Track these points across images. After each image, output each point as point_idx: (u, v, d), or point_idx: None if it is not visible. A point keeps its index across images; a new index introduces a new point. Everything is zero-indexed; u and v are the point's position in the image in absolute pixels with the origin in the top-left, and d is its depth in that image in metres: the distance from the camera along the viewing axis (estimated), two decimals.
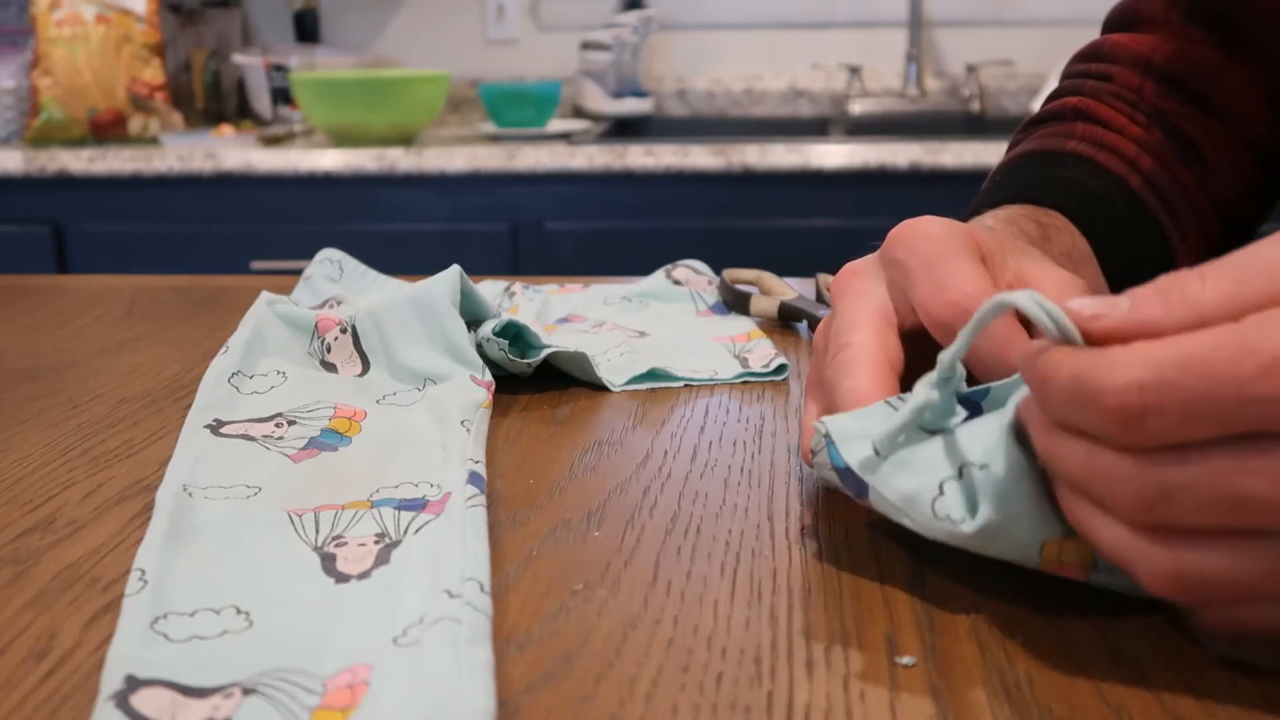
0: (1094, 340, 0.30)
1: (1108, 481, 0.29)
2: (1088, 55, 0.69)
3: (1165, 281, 0.30)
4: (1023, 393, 0.33)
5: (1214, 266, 0.30)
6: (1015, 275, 0.42)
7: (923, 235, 0.41)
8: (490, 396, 0.52)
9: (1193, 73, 0.65)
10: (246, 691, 0.30)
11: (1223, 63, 0.64)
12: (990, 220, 0.55)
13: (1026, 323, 0.39)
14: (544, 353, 0.57)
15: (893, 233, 0.42)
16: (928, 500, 0.34)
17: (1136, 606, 0.35)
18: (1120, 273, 0.57)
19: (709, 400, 0.56)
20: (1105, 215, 0.60)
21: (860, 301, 0.42)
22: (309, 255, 0.78)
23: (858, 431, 0.37)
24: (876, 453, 0.36)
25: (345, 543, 0.39)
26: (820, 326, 0.45)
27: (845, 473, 0.37)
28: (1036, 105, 2.14)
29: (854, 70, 2.26)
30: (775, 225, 1.84)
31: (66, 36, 2.02)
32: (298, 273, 0.76)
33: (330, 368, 0.57)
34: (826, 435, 0.37)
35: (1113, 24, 0.70)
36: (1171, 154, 0.64)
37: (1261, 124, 0.65)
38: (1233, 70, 0.64)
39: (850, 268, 0.44)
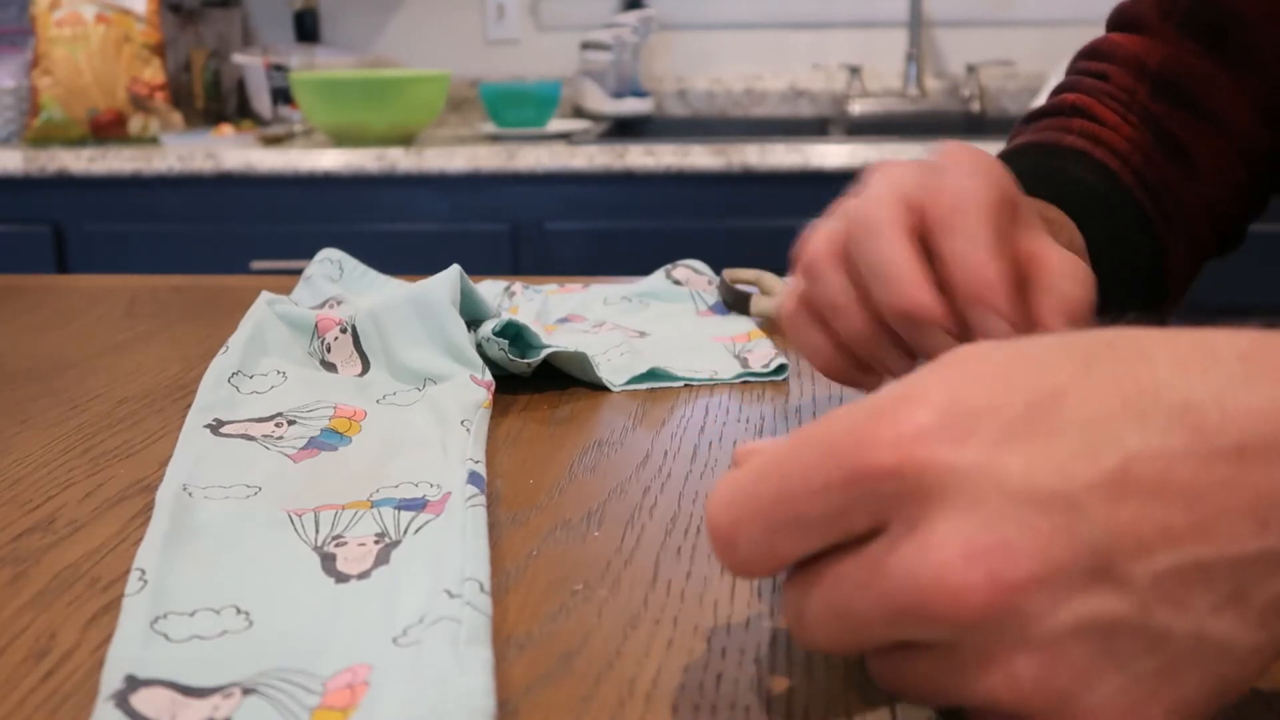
0: None
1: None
2: (1088, 53, 0.71)
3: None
4: None
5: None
6: (1027, 253, 0.42)
7: (961, 152, 0.42)
8: (490, 396, 0.52)
9: (1184, 78, 0.66)
10: (246, 691, 0.30)
11: (1214, 71, 0.66)
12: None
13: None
14: (544, 353, 0.57)
15: (949, 146, 0.43)
16: None
17: None
18: (1108, 265, 0.58)
19: (709, 400, 0.56)
20: (1098, 210, 0.61)
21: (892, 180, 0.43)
22: (309, 255, 0.78)
23: None
24: None
25: (345, 542, 0.39)
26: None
27: None
28: (1037, 105, 2.13)
29: (854, 70, 2.26)
30: (775, 225, 1.84)
31: (66, 36, 2.02)
32: (298, 273, 0.76)
33: (330, 367, 0.57)
34: None
35: (1112, 24, 0.71)
36: (1160, 155, 0.65)
37: (1250, 132, 0.66)
38: (1224, 79, 0.66)
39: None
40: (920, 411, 0.26)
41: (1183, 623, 0.24)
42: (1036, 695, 0.25)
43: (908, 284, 0.40)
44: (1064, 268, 0.41)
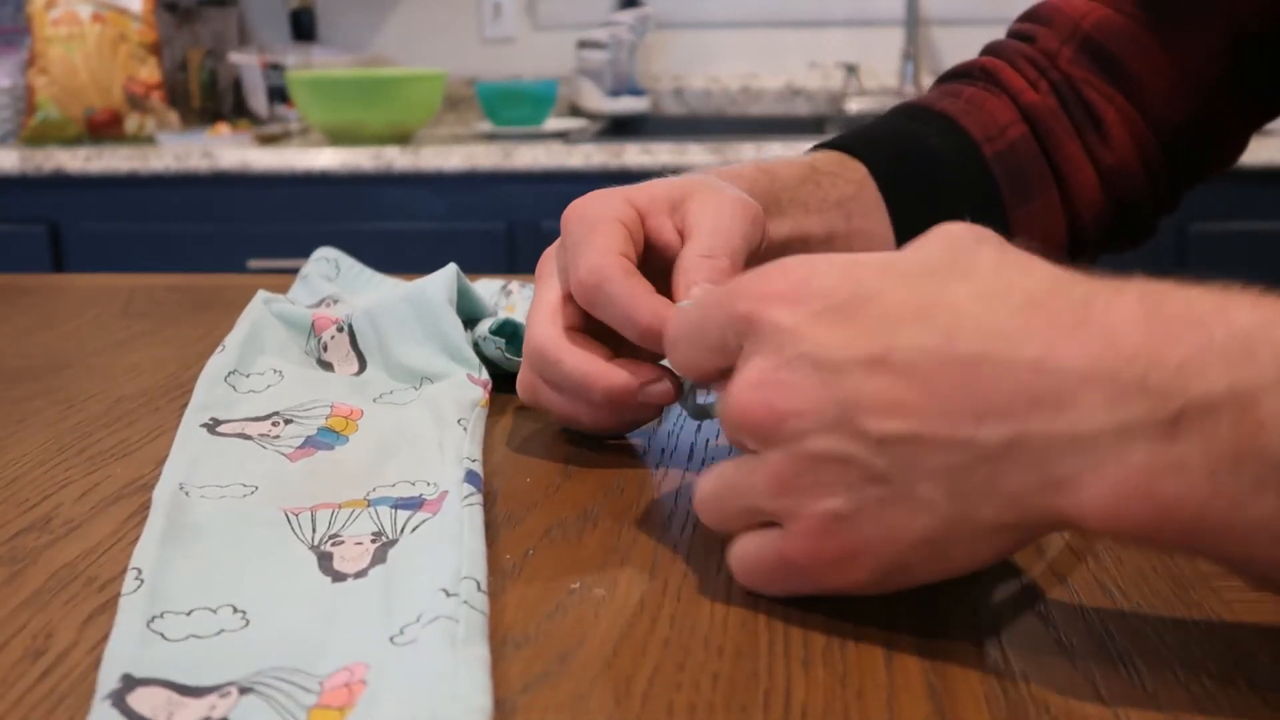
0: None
1: None
2: (1027, 14, 0.71)
3: None
4: None
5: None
6: (679, 223, 0.48)
7: (577, 217, 0.47)
8: (487, 395, 0.52)
9: (1116, 41, 0.66)
10: (243, 690, 0.30)
11: (1142, 34, 0.65)
12: (749, 167, 0.57)
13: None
14: None
15: (564, 215, 0.48)
16: None
17: (1134, 607, 0.35)
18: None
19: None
20: (921, 171, 0.62)
21: (546, 284, 0.48)
22: (305, 254, 0.78)
23: None
24: None
25: (342, 542, 0.39)
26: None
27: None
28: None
29: (851, 69, 2.26)
30: None
31: (63, 35, 2.02)
32: (294, 271, 0.76)
33: (327, 366, 0.57)
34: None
35: None
36: (1063, 122, 0.66)
37: (1172, 107, 0.66)
38: (1158, 50, 0.66)
39: (545, 253, 0.50)
40: (780, 280, 0.34)
41: (900, 475, 0.31)
42: (784, 493, 0.33)
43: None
44: (707, 221, 0.47)
